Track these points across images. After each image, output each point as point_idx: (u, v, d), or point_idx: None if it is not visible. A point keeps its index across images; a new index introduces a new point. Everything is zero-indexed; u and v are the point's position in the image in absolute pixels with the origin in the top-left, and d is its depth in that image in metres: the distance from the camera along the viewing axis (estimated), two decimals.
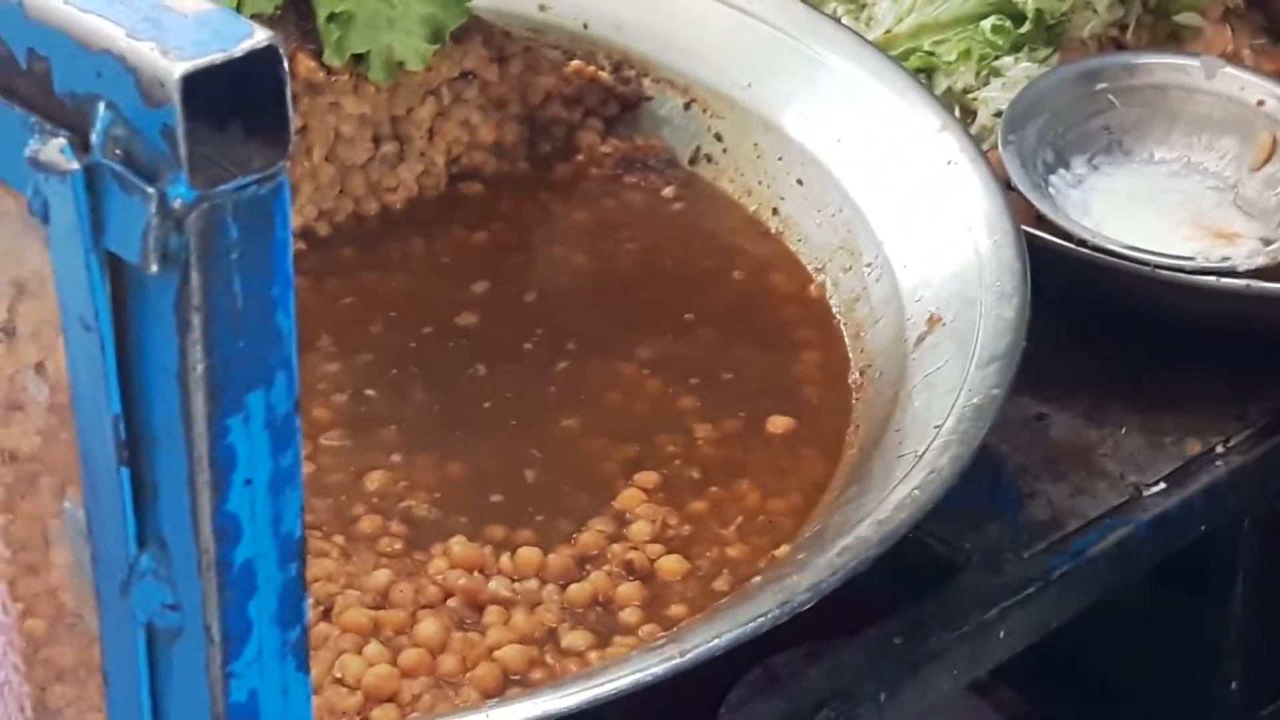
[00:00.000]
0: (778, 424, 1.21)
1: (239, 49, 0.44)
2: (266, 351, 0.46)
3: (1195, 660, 1.37)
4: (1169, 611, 1.37)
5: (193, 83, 0.44)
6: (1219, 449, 1.29)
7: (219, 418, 0.46)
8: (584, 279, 1.34)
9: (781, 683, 1.13)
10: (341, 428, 1.20)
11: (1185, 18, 1.51)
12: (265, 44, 0.44)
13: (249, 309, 0.46)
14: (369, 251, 1.33)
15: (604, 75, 1.43)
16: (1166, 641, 1.37)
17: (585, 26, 1.45)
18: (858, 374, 1.25)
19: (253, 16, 1.26)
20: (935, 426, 1.10)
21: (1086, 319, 1.36)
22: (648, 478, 1.16)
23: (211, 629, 0.48)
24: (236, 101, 0.44)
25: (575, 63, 1.43)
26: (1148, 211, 1.36)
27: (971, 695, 1.46)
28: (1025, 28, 1.44)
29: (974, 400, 1.11)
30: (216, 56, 0.44)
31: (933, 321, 1.20)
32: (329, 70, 1.29)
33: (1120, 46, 1.50)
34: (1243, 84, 1.41)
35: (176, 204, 0.44)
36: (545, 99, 1.41)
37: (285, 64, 0.44)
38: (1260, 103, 1.40)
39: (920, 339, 1.20)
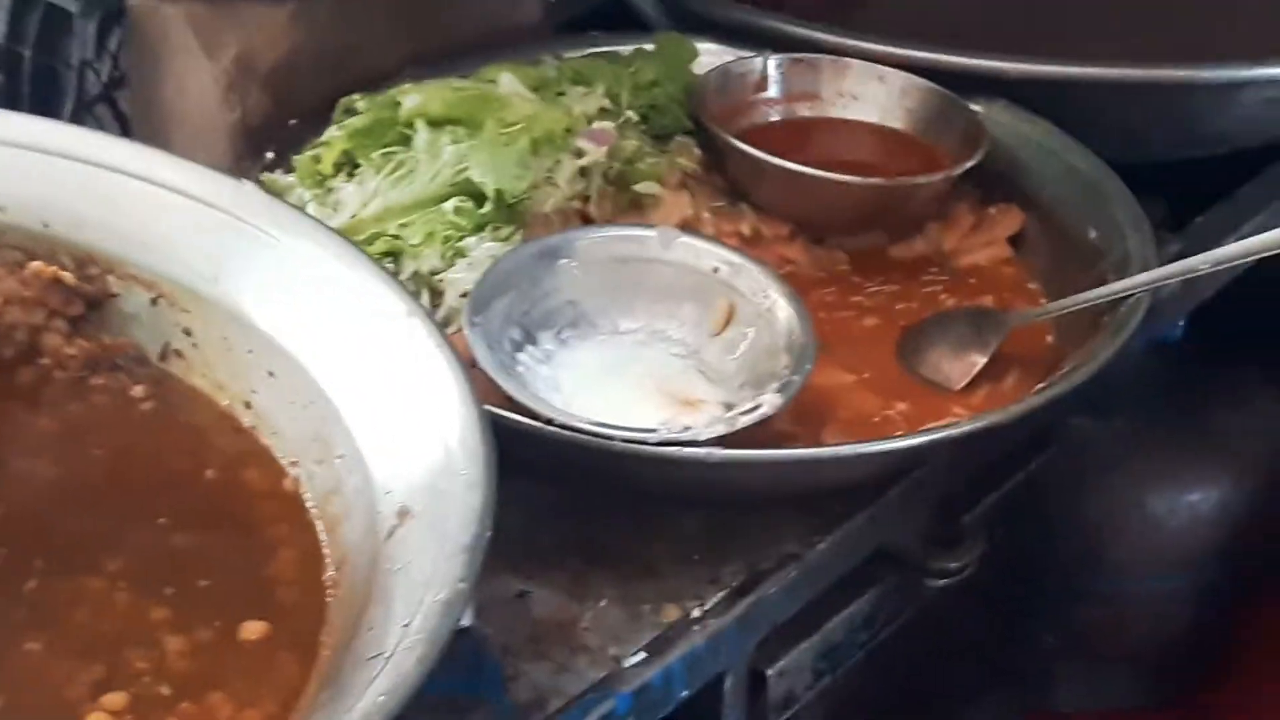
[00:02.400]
0: (251, 629, 1.18)
1: None
2: None
3: None
4: None
5: None
6: (695, 613, 1.32)
7: None
8: (52, 490, 1.29)
9: None
10: None
11: (644, 187, 1.56)
12: None
13: None
14: None
15: (66, 275, 1.40)
16: None
17: (46, 225, 1.41)
18: (333, 570, 1.23)
19: None
20: (404, 625, 1.10)
21: (565, 493, 1.38)
22: (115, 699, 1.12)
23: None
24: None
25: (35, 264, 1.39)
26: (617, 383, 1.39)
27: None
28: (487, 208, 1.46)
29: (440, 596, 1.10)
30: None
31: (403, 514, 1.20)
32: None
33: (585, 218, 1.54)
34: (698, 252, 1.46)
35: None
36: (4, 303, 1.37)
37: None
38: (715, 269, 1.45)
39: (391, 532, 1.20)
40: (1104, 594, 1.95)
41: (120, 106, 1.72)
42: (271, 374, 1.34)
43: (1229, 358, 2.03)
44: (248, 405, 1.35)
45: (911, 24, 1.88)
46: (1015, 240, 1.63)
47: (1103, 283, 1.49)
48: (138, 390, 1.37)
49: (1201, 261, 1.45)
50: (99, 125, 1.71)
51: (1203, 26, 1.90)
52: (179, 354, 1.39)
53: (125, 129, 1.72)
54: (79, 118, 1.68)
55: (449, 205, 1.46)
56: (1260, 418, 2.02)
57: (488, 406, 1.25)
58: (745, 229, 1.59)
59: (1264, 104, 1.73)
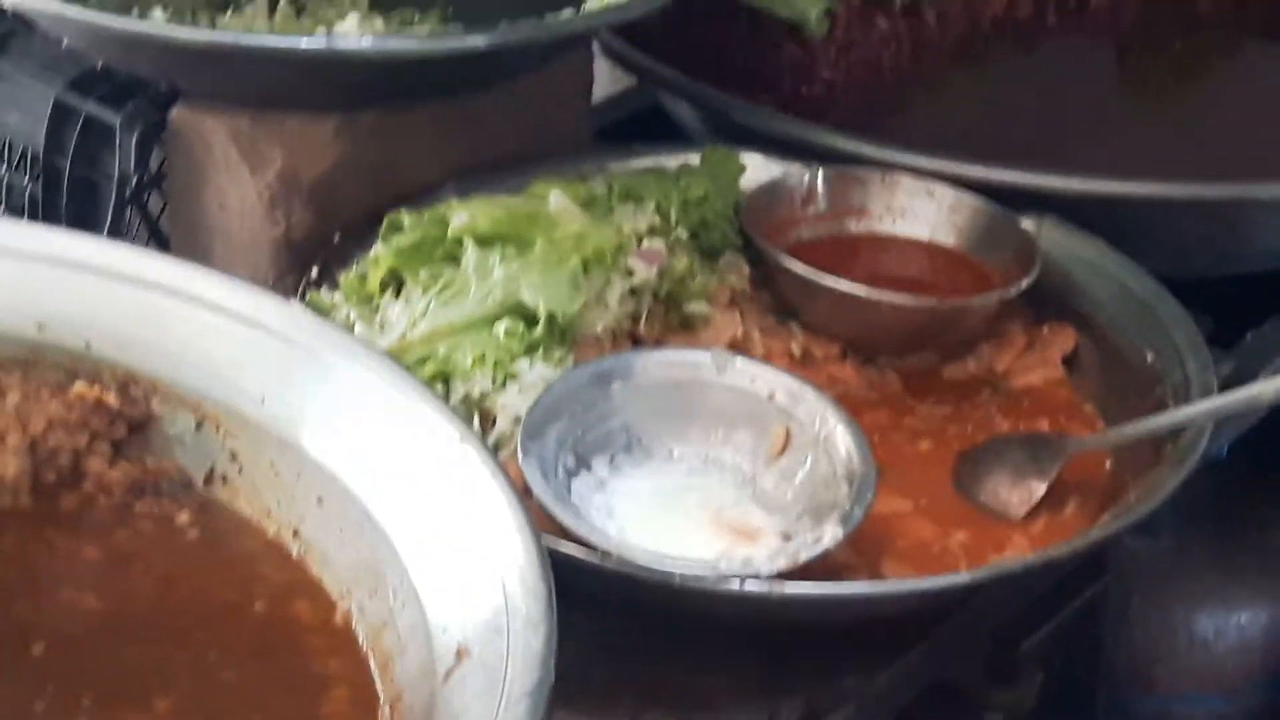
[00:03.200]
0: None
1: None
2: None
3: None
4: None
5: None
6: None
7: None
8: (97, 623, 1.26)
9: None
10: None
11: (695, 306, 1.54)
12: None
13: None
14: None
15: (109, 397, 1.37)
16: None
17: (88, 346, 1.39)
18: (388, 709, 1.20)
19: None
20: None
21: (619, 624, 1.35)
22: None
23: None
24: None
25: (79, 385, 1.37)
26: (671, 512, 1.36)
27: None
28: (538, 330, 1.43)
29: None
30: None
31: (460, 653, 1.17)
32: None
33: (635, 338, 1.51)
34: (753, 376, 1.43)
35: None
36: (47, 427, 1.35)
37: None
38: (771, 395, 1.42)
39: (449, 673, 1.17)
40: (1151, 715, 1.92)
41: (148, 209, 1.69)
42: (320, 501, 1.31)
43: (1275, 474, 2.00)
44: (296, 534, 1.32)
45: (948, 134, 1.87)
46: (1069, 360, 1.61)
47: (1161, 407, 1.47)
48: (183, 517, 1.34)
49: (1266, 389, 1.42)
50: (128, 229, 1.68)
51: (1249, 140, 1.88)
52: (224, 479, 1.36)
53: (152, 230, 1.69)
54: (117, 229, 1.66)
55: (499, 327, 1.43)
56: None
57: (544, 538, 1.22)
58: (795, 349, 1.56)
59: None
